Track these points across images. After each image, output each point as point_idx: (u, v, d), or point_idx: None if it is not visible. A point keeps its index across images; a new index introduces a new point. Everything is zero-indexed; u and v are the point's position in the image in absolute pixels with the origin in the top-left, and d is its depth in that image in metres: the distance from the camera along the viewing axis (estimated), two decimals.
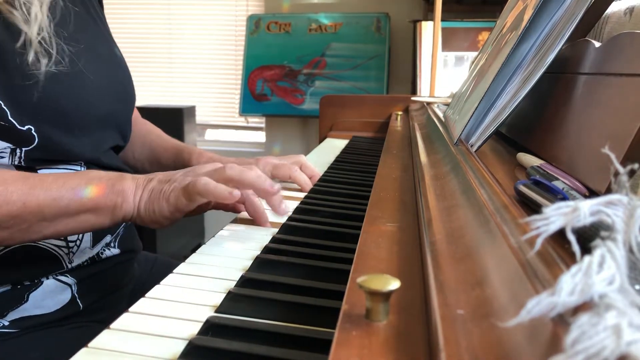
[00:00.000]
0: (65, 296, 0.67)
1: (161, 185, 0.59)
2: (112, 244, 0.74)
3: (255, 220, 0.65)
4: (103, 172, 0.60)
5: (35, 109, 0.60)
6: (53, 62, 0.62)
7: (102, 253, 0.72)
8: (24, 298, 0.64)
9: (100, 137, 0.70)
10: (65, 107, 0.63)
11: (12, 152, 0.61)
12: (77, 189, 0.55)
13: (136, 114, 0.92)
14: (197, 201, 0.57)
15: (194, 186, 0.56)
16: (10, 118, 0.58)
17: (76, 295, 0.68)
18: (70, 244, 0.67)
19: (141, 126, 0.93)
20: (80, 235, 0.67)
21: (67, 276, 0.67)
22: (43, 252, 0.64)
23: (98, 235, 0.70)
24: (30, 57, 0.60)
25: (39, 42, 0.60)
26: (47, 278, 0.66)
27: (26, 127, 0.60)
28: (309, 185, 0.81)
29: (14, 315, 0.64)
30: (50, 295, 0.66)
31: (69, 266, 0.67)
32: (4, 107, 0.58)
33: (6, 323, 0.63)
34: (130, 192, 0.58)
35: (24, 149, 0.61)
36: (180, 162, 0.86)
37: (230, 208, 0.68)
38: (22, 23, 0.60)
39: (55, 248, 0.65)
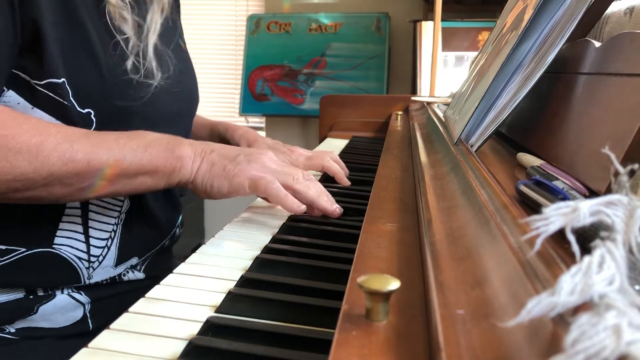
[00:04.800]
0: (76, 314, 0.65)
1: (223, 161, 0.60)
2: (138, 267, 0.72)
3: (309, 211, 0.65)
4: (160, 134, 0.60)
5: (99, 95, 0.60)
6: (161, 75, 0.64)
7: (124, 275, 0.70)
8: (33, 309, 0.62)
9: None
10: (131, 101, 0.63)
11: None
12: (137, 151, 0.57)
13: None
14: (258, 194, 0.61)
15: (265, 186, 0.59)
16: (70, 98, 0.58)
17: (88, 314, 0.66)
18: (92, 259, 0.65)
19: None
20: (105, 251, 0.66)
21: (82, 294, 0.65)
22: (62, 260, 0.63)
23: (123, 255, 0.68)
24: (142, 69, 0.62)
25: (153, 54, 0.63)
26: (62, 292, 0.64)
27: (86, 110, 0.60)
28: (341, 173, 0.82)
29: (21, 324, 0.62)
30: (60, 311, 0.64)
31: (87, 282, 0.65)
32: (67, 86, 0.58)
33: (12, 330, 0.62)
34: (189, 158, 0.59)
35: None
36: (215, 136, 0.89)
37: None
38: (132, 33, 0.62)
39: (76, 259, 0.64)
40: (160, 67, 0.65)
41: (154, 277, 0.74)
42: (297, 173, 0.62)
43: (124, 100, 0.62)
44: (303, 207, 0.60)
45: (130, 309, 0.43)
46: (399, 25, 2.50)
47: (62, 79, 0.57)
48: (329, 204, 0.62)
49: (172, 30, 0.73)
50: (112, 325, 0.40)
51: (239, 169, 0.60)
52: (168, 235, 0.75)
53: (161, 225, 0.73)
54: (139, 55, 0.62)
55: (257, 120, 2.83)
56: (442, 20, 1.88)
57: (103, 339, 0.38)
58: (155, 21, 0.65)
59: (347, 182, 0.82)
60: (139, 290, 0.72)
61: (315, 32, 2.55)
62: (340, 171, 0.83)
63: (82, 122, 0.59)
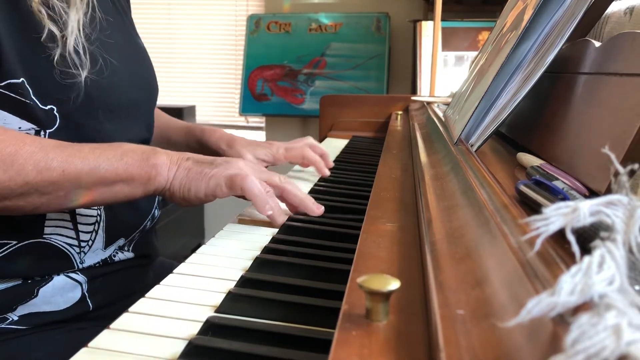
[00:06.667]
0: (75, 294, 0.67)
1: (200, 166, 0.61)
2: (125, 247, 0.74)
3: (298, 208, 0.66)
4: (136, 145, 0.61)
5: (57, 89, 0.61)
6: (87, 69, 0.63)
7: (114, 256, 0.71)
8: (34, 292, 0.63)
9: (125, 126, 0.70)
10: (89, 90, 0.63)
11: (37, 135, 0.61)
12: (112, 160, 0.57)
13: None
14: (236, 193, 0.61)
15: (241, 181, 0.59)
16: (32, 96, 0.59)
17: (86, 294, 0.68)
18: (82, 244, 0.67)
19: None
20: (93, 235, 0.67)
21: (78, 274, 0.67)
22: (54, 248, 0.64)
23: (111, 237, 0.70)
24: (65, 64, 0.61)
25: (74, 51, 0.62)
26: (58, 275, 0.65)
27: (48, 106, 0.60)
28: (321, 164, 0.84)
29: (23, 310, 0.63)
30: (60, 292, 0.65)
31: (80, 266, 0.67)
32: (27, 86, 0.59)
33: (15, 318, 0.63)
34: (165, 166, 0.60)
35: (47, 130, 0.61)
36: (192, 139, 0.90)
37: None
38: (57, 31, 0.60)
39: (66, 246, 0.65)
40: (102, 56, 0.64)
41: (143, 256, 0.77)
42: (274, 178, 0.64)
43: (80, 93, 0.62)
44: (270, 212, 0.61)
45: (130, 308, 0.43)
46: (399, 25, 2.51)
47: (22, 79, 0.58)
48: (313, 207, 0.65)
49: (114, 16, 0.72)
50: (112, 325, 0.40)
51: (216, 172, 0.60)
52: (148, 216, 0.77)
53: (141, 207, 0.74)
54: (69, 46, 0.61)
55: (257, 120, 2.83)
56: (442, 20, 1.88)
57: (103, 338, 0.38)
58: (77, 16, 0.63)
59: (327, 173, 0.84)
60: (132, 268, 0.74)
61: (315, 32, 2.55)
62: (319, 161, 0.84)
63: (47, 118, 0.60)
